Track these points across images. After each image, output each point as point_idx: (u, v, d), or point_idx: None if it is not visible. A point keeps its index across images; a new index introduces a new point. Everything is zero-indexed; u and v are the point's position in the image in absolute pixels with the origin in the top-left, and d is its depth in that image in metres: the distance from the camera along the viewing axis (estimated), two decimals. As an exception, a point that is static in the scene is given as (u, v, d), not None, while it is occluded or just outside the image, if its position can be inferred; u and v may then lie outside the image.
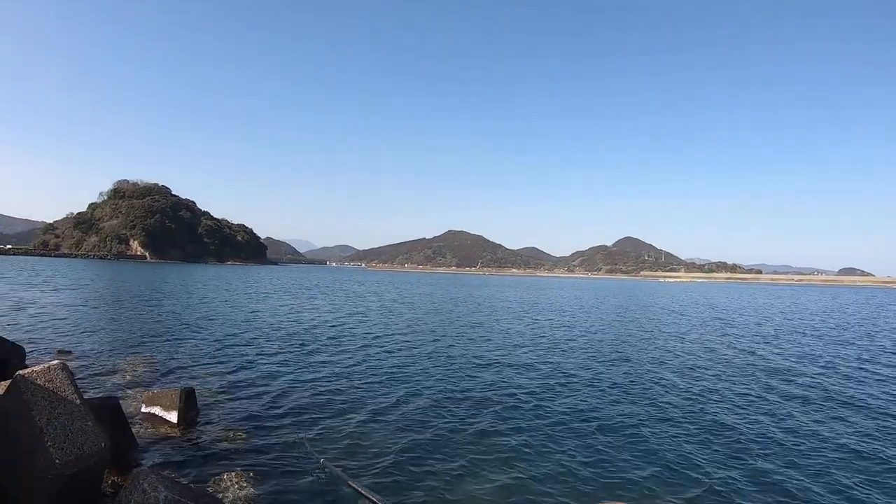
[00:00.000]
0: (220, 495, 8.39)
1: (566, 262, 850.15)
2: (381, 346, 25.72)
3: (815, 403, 16.82)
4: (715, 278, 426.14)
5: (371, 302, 57.85)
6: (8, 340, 15.48)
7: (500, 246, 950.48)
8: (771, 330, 39.60)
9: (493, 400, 16.03)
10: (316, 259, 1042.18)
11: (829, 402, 17.09)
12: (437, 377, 19.10)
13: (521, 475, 10.36)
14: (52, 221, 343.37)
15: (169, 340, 24.33)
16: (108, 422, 8.19)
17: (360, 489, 8.64)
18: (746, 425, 14.17)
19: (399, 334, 30.57)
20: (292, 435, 12.09)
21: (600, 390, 17.77)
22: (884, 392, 18.83)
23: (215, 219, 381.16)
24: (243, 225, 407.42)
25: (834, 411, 15.93)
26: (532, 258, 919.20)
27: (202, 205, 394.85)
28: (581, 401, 16.21)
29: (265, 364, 20.09)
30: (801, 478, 10.58)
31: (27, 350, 16.35)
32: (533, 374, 20.14)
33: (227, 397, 14.97)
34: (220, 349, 22.71)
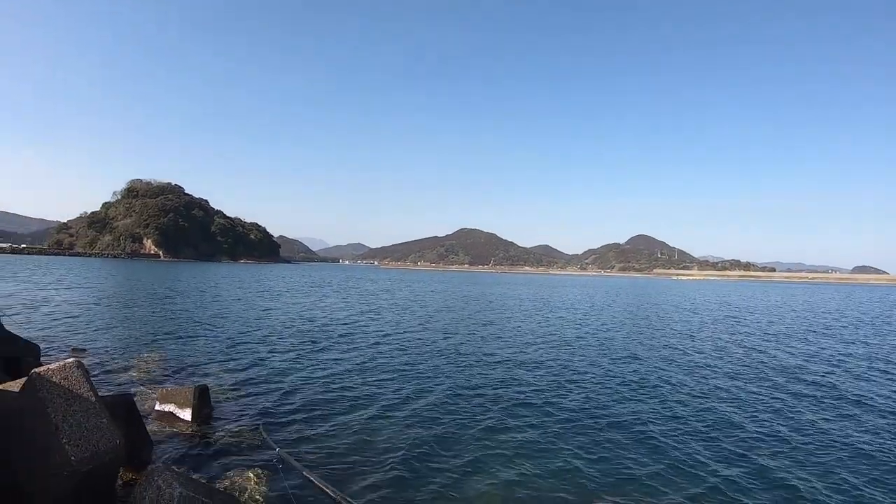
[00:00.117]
0: (235, 492, 8.42)
1: (579, 260, 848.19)
2: (393, 344, 25.75)
3: (824, 403, 16.58)
4: (728, 276, 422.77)
5: (383, 300, 57.93)
6: (22, 338, 15.65)
7: (512, 244, 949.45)
8: (783, 329, 39.16)
9: (503, 397, 16.02)
10: (329, 257, 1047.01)
11: (840, 401, 16.85)
12: (447, 374, 19.11)
13: (527, 472, 10.33)
14: (66, 221, 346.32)
15: (182, 338, 24.48)
16: (122, 419, 8.23)
17: (315, 481, 8.62)
18: (755, 424, 14.02)
19: (411, 332, 30.59)
20: (305, 431, 12.15)
21: (609, 388, 17.67)
22: (895, 392, 18.61)
23: (228, 217, 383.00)
24: (256, 223, 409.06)
25: (845, 410, 15.71)
26: (545, 256, 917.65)
27: (215, 203, 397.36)
28: (590, 399, 16.13)
29: (278, 361, 20.17)
30: (810, 478, 10.43)
31: (42, 348, 16.51)
32: (542, 371, 20.06)
33: (240, 394, 15.05)
34: (233, 347, 22.83)
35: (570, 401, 15.85)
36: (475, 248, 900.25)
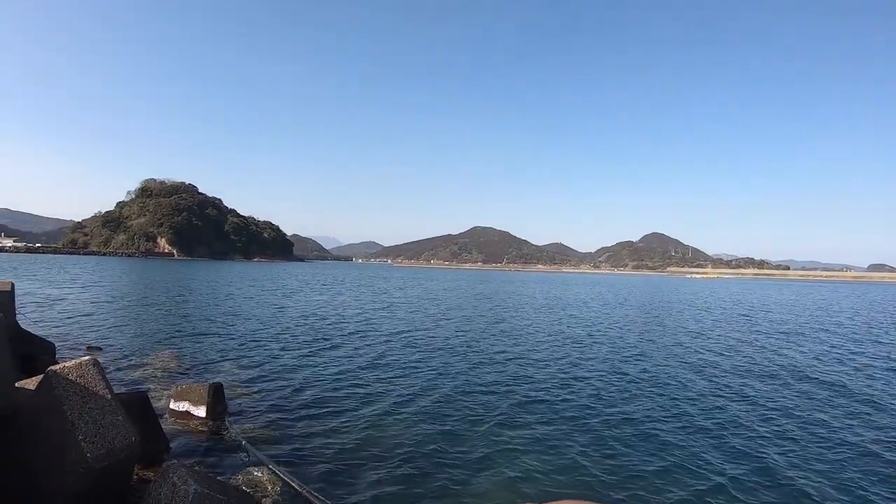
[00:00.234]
0: (249, 489, 8.44)
1: (592, 258, 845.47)
2: (405, 341, 25.78)
3: (834, 402, 16.36)
4: (742, 274, 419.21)
5: (396, 298, 58.04)
6: (38, 336, 15.81)
7: (525, 242, 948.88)
8: (796, 327, 38.74)
9: (513, 394, 16.04)
10: (342, 256, 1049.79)
11: (851, 400, 16.62)
12: (458, 371, 19.13)
13: (535, 469, 10.33)
14: (80, 220, 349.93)
15: (196, 336, 24.64)
16: (137, 416, 8.27)
17: (282, 474, 8.62)
18: (765, 423, 13.87)
19: (422, 330, 30.61)
20: (318, 428, 12.20)
21: (619, 386, 17.57)
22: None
23: (242, 216, 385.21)
24: (269, 222, 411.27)
25: (856, 410, 15.49)
26: (558, 254, 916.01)
27: (228, 202, 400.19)
28: (600, 397, 16.05)
29: (291, 358, 20.25)
30: (818, 478, 10.30)
31: (56, 346, 16.68)
32: (552, 369, 19.97)
33: (254, 391, 15.11)
34: (246, 344, 22.94)
35: (579, 398, 15.79)
36: (488, 246, 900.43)
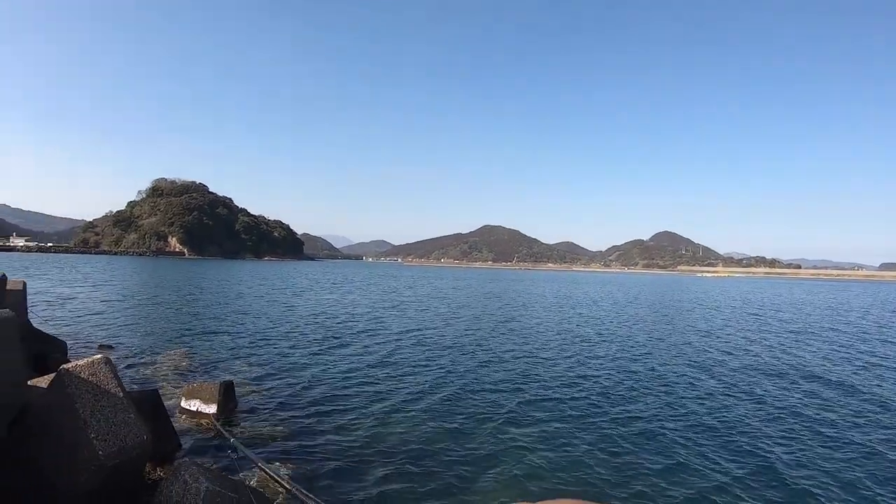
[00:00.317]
0: (260, 487, 8.44)
1: (602, 257, 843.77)
2: (414, 340, 25.80)
3: (842, 402, 16.15)
4: (753, 273, 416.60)
5: (405, 297, 58.09)
6: (50, 335, 15.92)
7: (536, 241, 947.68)
8: (806, 326, 38.38)
9: (520, 392, 16.05)
10: (352, 254, 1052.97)
11: (860, 401, 16.39)
12: (465, 370, 19.13)
13: (539, 469, 10.32)
14: (92, 220, 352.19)
15: (207, 334, 24.74)
16: (149, 414, 8.29)
17: (269, 472, 8.60)
18: (771, 423, 13.73)
19: (432, 328, 30.61)
20: (327, 425, 12.22)
21: (626, 385, 17.49)
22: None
23: (252, 215, 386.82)
24: (280, 221, 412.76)
25: (866, 411, 15.27)
26: (568, 253, 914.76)
27: (239, 202, 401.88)
28: (606, 396, 16.00)
29: (301, 356, 20.30)
30: (825, 479, 10.17)
31: (68, 344, 16.78)
32: (560, 368, 19.89)
33: (264, 389, 15.15)
34: (256, 343, 23.01)
35: (587, 397, 15.76)
36: (499, 245, 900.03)
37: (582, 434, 12.42)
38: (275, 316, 33.72)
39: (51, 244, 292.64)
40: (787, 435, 12.87)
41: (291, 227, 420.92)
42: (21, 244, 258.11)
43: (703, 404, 15.41)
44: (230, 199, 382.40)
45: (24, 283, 14.03)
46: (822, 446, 12.12)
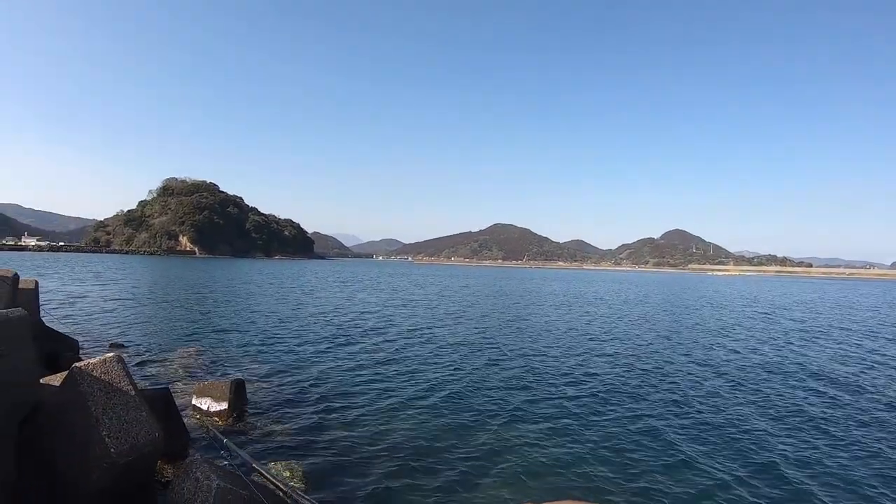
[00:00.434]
0: (271, 485, 8.46)
1: (613, 255, 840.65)
2: (423, 338, 25.85)
3: (849, 403, 15.94)
4: (764, 272, 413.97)
5: (415, 295, 58.17)
6: (62, 333, 16.01)
7: (546, 239, 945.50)
8: (816, 326, 37.96)
9: (527, 391, 16.08)
10: (363, 253, 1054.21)
11: (869, 402, 16.14)
12: (473, 367, 19.15)
13: (542, 467, 10.30)
14: (103, 219, 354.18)
15: (218, 333, 24.85)
16: (160, 412, 8.31)
17: (265, 474, 8.60)
18: (778, 424, 13.58)
19: (440, 326, 30.64)
20: (336, 423, 12.25)
21: (633, 385, 17.36)
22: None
23: (263, 214, 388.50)
24: (290, 220, 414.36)
25: (876, 414, 15.09)
26: (578, 251, 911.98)
27: (249, 201, 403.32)
28: (613, 396, 15.89)
29: (311, 355, 20.35)
30: (830, 480, 10.06)
31: (80, 343, 16.88)
32: (569, 367, 19.78)
33: (275, 387, 15.19)
34: (267, 341, 23.09)
35: (594, 396, 15.70)
36: (509, 243, 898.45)
37: (588, 433, 12.38)
38: (285, 314, 33.83)
39: (62, 243, 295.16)
40: (794, 434, 12.76)
41: (302, 226, 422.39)
42: (33, 243, 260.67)
43: (710, 403, 15.32)
44: (241, 198, 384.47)
45: (37, 282, 14.11)
46: (828, 446, 12.01)
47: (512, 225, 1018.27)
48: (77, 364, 6.00)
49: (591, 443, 11.67)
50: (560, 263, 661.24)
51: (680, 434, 12.48)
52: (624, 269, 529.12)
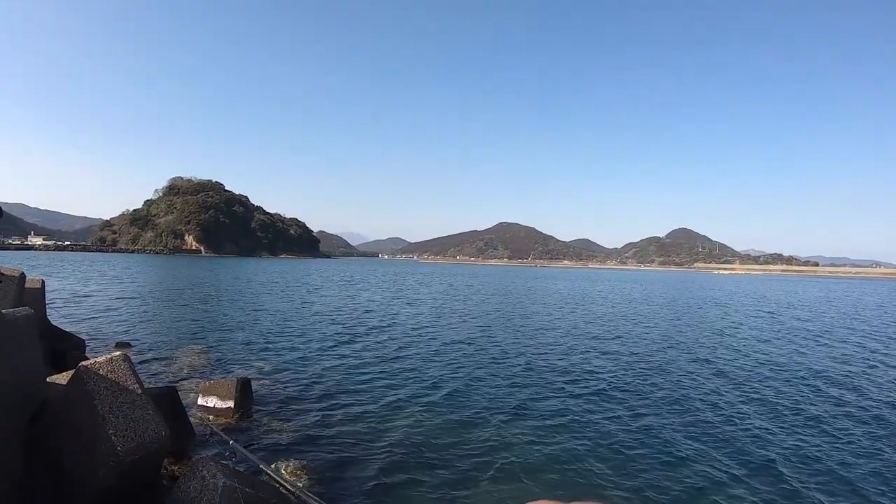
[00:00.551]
0: (276, 483, 8.48)
1: (618, 254, 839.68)
2: (427, 336, 25.89)
3: (852, 402, 15.85)
4: (770, 271, 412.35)
5: (420, 294, 58.22)
6: (68, 332, 16.08)
7: (551, 238, 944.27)
8: (822, 326, 37.69)
9: (529, 389, 16.12)
10: (368, 252, 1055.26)
11: (871, 401, 16.01)
12: (476, 366, 19.16)
13: (543, 466, 10.32)
14: (109, 218, 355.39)
15: (223, 332, 24.92)
16: (167, 411, 8.33)
17: (270, 472, 8.61)
18: (780, 424, 13.50)
19: (444, 325, 30.64)
20: (341, 421, 12.28)
21: (635, 385, 17.32)
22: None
23: (268, 213, 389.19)
24: (296, 219, 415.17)
25: (875, 408, 15.06)
26: (584, 250, 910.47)
27: (255, 200, 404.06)
28: (614, 394, 15.86)
29: (316, 353, 20.40)
30: (832, 481, 9.99)
31: (86, 341, 16.95)
32: (572, 366, 19.73)
33: (280, 386, 15.23)
34: (273, 339, 23.14)
35: (596, 396, 15.68)
36: (514, 242, 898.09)
37: (590, 431, 12.39)
38: (290, 313, 33.92)
39: (68, 243, 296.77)
40: (795, 433, 12.71)
41: (307, 225, 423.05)
42: (39, 243, 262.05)
43: (711, 402, 15.30)
44: (246, 197, 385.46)
45: (43, 282, 14.17)
46: (828, 445, 11.97)
47: (517, 224, 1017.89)
48: (83, 363, 6.03)
49: (592, 441, 11.68)
50: (566, 262, 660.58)
51: (681, 433, 12.45)
52: (629, 267, 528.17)
